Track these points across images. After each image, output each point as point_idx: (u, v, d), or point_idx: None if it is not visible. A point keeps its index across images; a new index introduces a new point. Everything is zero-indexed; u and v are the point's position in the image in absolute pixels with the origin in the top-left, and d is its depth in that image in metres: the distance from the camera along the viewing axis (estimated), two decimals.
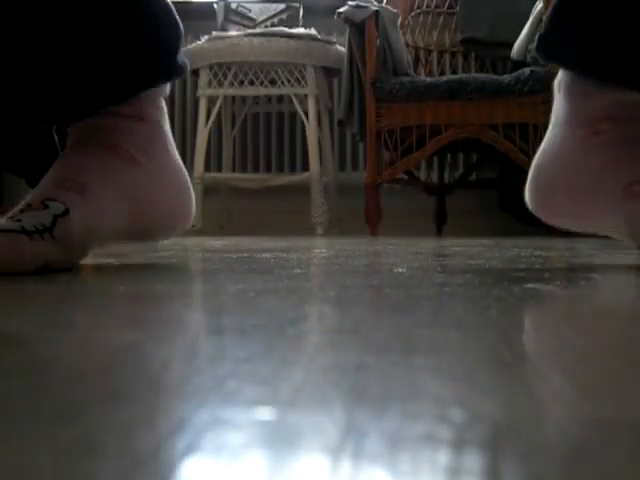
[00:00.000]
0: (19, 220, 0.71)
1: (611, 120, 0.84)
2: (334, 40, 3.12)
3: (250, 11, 3.25)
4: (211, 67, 3.06)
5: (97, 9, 0.81)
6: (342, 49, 2.97)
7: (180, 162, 0.88)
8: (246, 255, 1.10)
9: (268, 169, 3.48)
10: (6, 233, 0.68)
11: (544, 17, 0.85)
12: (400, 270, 0.76)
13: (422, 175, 3.26)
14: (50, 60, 0.82)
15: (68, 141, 0.86)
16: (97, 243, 0.80)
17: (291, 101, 3.09)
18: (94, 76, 0.81)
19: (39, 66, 0.83)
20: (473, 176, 3.19)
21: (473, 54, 3.11)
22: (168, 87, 0.87)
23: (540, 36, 0.87)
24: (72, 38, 0.82)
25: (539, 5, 2.76)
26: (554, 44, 0.86)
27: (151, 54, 0.82)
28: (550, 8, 0.87)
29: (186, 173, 0.88)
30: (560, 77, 0.91)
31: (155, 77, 0.82)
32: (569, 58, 0.87)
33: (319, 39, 3.03)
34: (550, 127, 0.92)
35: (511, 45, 2.76)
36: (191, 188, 0.89)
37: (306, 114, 3.01)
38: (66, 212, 0.73)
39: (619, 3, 0.81)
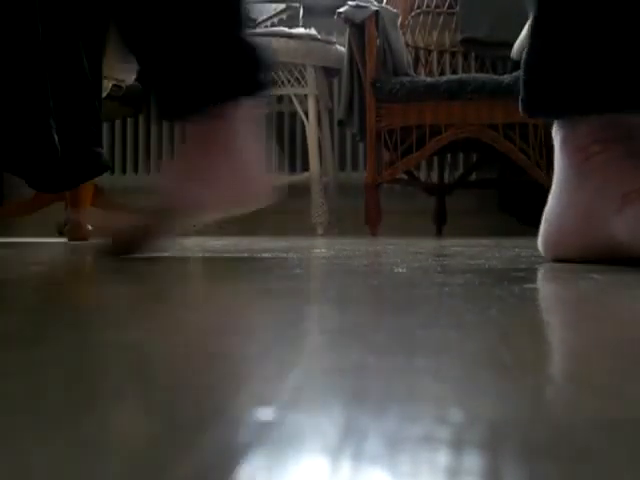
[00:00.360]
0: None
1: (600, 142, 0.88)
2: (334, 40, 3.12)
3: (250, 11, 3.25)
4: None
5: (207, 37, 1.07)
6: (342, 49, 2.97)
7: (250, 157, 1.11)
8: (246, 255, 1.10)
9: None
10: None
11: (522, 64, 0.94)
12: (400, 270, 0.76)
13: (422, 175, 3.26)
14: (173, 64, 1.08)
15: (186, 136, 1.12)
16: (197, 211, 1.05)
17: (291, 101, 3.09)
18: (200, 84, 1.07)
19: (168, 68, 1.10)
20: (473, 176, 3.19)
21: (473, 54, 3.11)
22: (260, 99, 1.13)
23: (521, 100, 0.95)
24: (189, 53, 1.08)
25: None
26: (535, 104, 0.95)
27: (239, 75, 1.08)
28: (522, 68, 0.95)
29: (254, 167, 1.11)
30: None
31: (240, 92, 1.09)
32: (552, 112, 0.94)
33: (319, 39, 3.03)
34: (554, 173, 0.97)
35: (511, 45, 2.76)
36: (254, 178, 1.11)
37: (306, 114, 3.01)
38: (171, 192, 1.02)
39: (584, 46, 0.88)
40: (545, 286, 0.58)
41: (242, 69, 1.08)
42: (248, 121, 1.11)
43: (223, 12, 1.08)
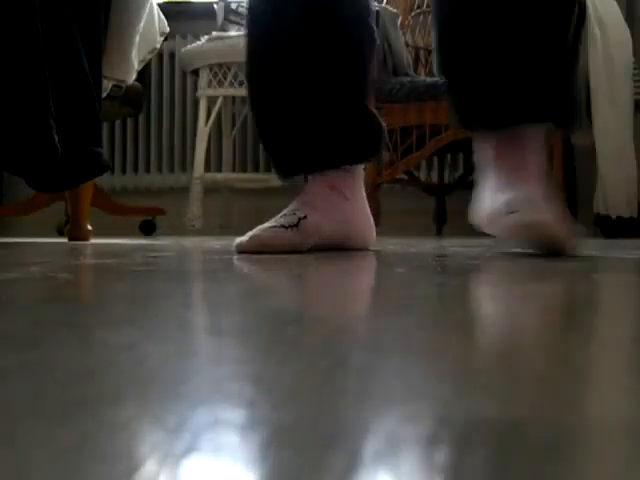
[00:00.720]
0: (280, 220, 1.19)
1: (495, 155, 1.14)
2: None
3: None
4: (211, 67, 3.06)
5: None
6: None
7: (366, 201, 1.33)
8: (246, 255, 1.10)
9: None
10: (271, 228, 1.17)
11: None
12: (400, 270, 0.76)
13: (422, 175, 3.26)
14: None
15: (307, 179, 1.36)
16: (318, 239, 1.21)
17: None
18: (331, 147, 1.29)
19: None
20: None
21: None
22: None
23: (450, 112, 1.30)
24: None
25: None
26: (457, 118, 1.27)
27: (363, 143, 1.32)
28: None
29: (368, 208, 1.33)
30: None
31: (365, 156, 1.33)
32: (469, 126, 1.24)
33: None
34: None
35: None
36: (371, 219, 1.34)
37: None
38: (305, 217, 1.19)
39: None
40: (545, 286, 0.58)
41: (368, 136, 1.31)
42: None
43: (354, 81, 1.33)
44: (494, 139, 1.13)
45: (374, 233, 1.34)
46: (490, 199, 1.11)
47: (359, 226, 1.30)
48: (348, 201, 1.28)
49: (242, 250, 1.14)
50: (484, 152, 1.16)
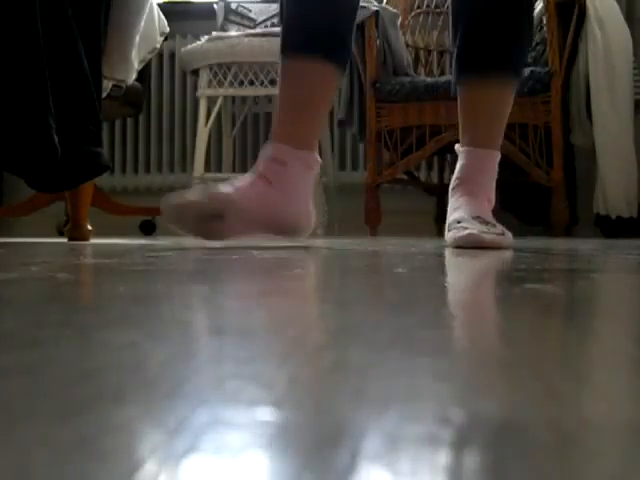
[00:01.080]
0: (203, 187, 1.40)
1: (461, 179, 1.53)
2: None
3: (250, 11, 3.25)
4: (211, 67, 3.06)
5: None
6: None
7: (305, 194, 1.43)
8: (246, 255, 1.10)
9: None
10: (184, 194, 1.42)
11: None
12: (400, 270, 0.76)
13: (422, 175, 3.26)
14: None
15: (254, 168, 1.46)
16: (234, 211, 1.35)
17: None
18: None
19: None
20: None
21: None
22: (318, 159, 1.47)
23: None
24: None
25: (539, 5, 2.76)
26: None
27: None
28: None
29: (309, 202, 1.44)
30: None
31: None
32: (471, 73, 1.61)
33: None
34: None
35: None
36: (305, 208, 1.43)
37: None
38: (218, 190, 1.37)
39: None
40: (545, 286, 0.58)
41: None
42: (306, 172, 1.44)
43: None
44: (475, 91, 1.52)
45: (309, 223, 1.45)
46: (447, 215, 1.53)
47: (282, 214, 1.40)
48: (271, 185, 1.39)
49: (168, 217, 1.39)
50: (454, 184, 1.53)
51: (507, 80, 1.53)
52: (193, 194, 1.38)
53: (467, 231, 1.37)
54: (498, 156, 1.52)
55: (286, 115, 1.42)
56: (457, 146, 1.55)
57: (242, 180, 1.41)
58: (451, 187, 1.54)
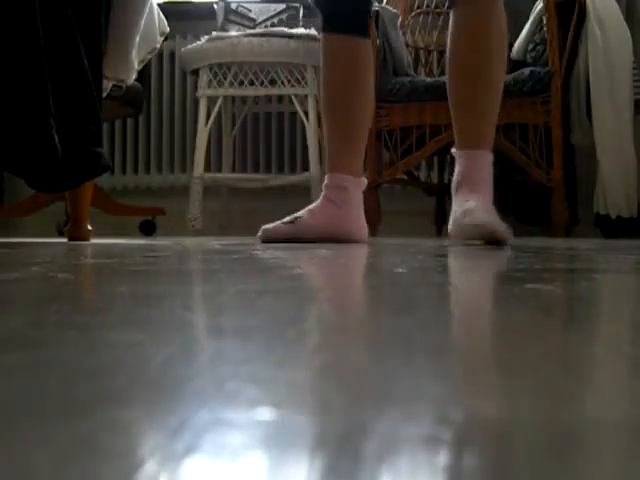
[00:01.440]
0: (284, 219, 1.79)
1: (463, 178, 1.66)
2: None
3: (250, 11, 3.25)
4: (211, 67, 3.06)
5: None
6: None
7: (361, 210, 1.79)
8: (246, 255, 1.10)
9: (268, 169, 3.48)
10: (275, 224, 1.79)
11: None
12: (400, 270, 0.76)
13: (422, 175, 3.26)
14: None
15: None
16: (312, 234, 1.72)
17: (291, 101, 3.09)
18: None
19: None
20: None
21: None
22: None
23: None
24: None
25: (539, 5, 2.76)
26: None
27: None
28: None
29: (362, 215, 1.82)
30: None
31: None
32: None
33: (319, 39, 3.03)
34: None
35: (511, 45, 2.76)
36: (362, 222, 1.79)
37: (306, 114, 3.01)
38: (300, 217, 1.75)
39: None
40: (545, 286, 0.58)
41: None
42: (360, 193, 1.80)
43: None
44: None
45: (365, 232, 1.79)
46: (454, 212, 1.60)
47: (346, 226, 1.75)
48: (338, 207, 1.75)
49: (263, 240, 1.73)
50: (456, 184, 1.66)
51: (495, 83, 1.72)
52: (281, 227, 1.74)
53: (483, 220, 1.46)
54: (491, 156, 1.67)
55: (339, 148, 1.78)
56: (453, 149, 1.69)
57: (314, 204, 1.80)
58: (454, 187, 1.66)
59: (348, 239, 1.75)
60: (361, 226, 1.78)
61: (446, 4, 3.18)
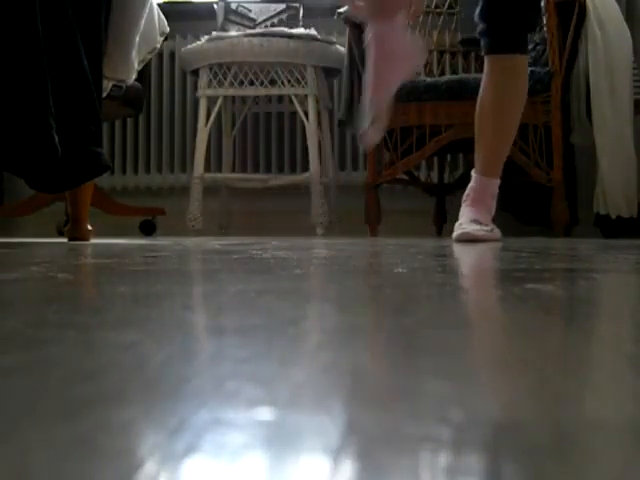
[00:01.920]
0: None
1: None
2: (334, 40, 3.12)
3: (250, 11, 3.25)
4: (211, 67, 3.06)
5: None
6: (342, 49, 2.97)
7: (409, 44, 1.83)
8: (246, 255, 1.10)
9: (268, 169, 3.48)
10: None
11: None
12: (400, 270, 0.76)
13: (422, 175, 3.26)
14: None
15: None
16: None
17: (291, 101, 3.09)
18: None
19: None
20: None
21: (473, 54, 3.11)
22: None
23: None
24: None
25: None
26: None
27: None
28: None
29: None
30: None
31: None
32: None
33: (319, 39, 3.03)
34: None
35: None
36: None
37: (306, 114, 3.01)
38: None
39: None
40: (545, 286, 0.58)
41: None
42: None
43: None
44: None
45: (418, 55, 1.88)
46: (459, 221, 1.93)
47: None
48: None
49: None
50: (465, 198, 1.98)
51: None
52: None
53: (463, 230, 1.86)
54: (498, 182, 1.99)
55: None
56: (473, 171, 2.02)
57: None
58: (463, 200, 1.98)
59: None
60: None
61: (446, 4, 3.19)
